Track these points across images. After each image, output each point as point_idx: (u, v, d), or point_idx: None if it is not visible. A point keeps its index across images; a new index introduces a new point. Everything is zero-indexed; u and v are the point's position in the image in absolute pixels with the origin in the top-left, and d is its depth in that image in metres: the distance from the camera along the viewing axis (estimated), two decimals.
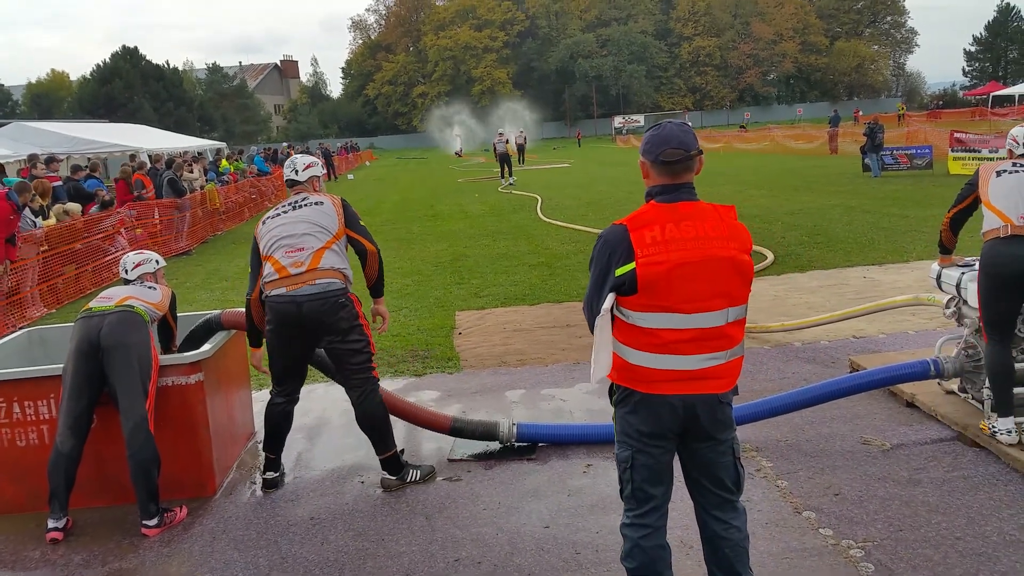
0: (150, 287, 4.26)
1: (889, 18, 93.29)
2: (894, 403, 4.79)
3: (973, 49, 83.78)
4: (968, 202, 4.21)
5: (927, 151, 19.87)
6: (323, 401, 5.56)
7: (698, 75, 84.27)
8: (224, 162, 23.61)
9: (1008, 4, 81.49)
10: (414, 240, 13.50)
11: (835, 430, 4.45)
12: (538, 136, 59.84)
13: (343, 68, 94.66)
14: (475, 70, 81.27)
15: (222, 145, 35.48)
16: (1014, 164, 4.02)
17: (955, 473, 3.84)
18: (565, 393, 5.46)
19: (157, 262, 4.45)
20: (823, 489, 3.77)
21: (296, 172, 4.29)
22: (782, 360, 5.76)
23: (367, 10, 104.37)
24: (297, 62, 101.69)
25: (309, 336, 4.04)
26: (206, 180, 18.81)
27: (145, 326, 3.98)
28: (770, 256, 9.40)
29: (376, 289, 4.31)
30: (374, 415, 4.11)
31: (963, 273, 4.37)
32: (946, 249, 4.50)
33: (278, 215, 4.14)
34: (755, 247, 9.98)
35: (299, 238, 4.00)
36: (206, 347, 4.24)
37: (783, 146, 33.92)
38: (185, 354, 4.18)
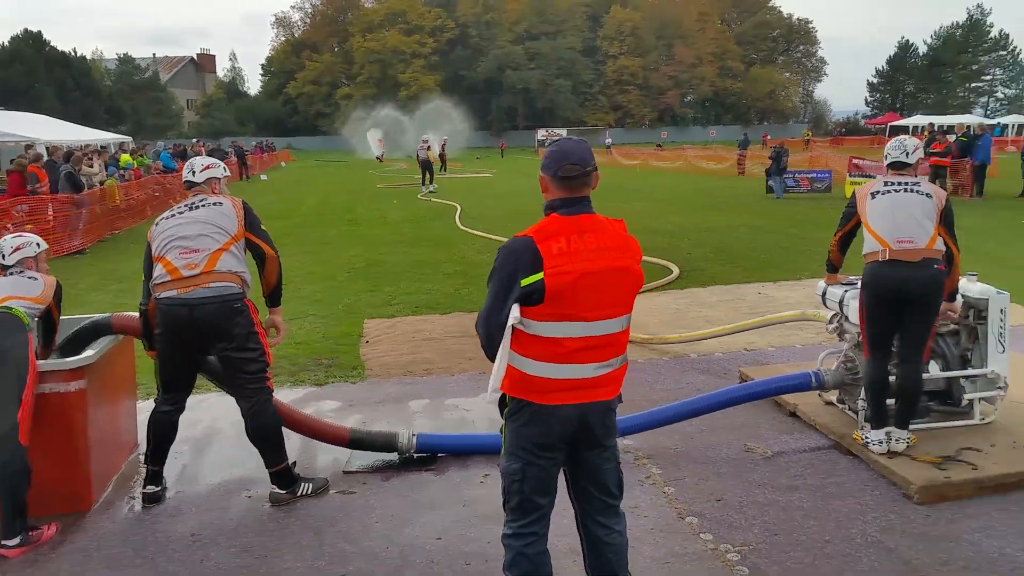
0: (31, 278, 4.02)
1: (802, 47, 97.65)
2: (778, 413, 5.03)
3: (875, 81, 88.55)
4: (852, 224, 4.42)
5: (827, 175, 20.92)
6: (213, 411, 5.35)
7: (621, 93, 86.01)
8: (125, 156, 22.55)
9: (908, 41, 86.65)
10: (329, 244, 13.31)
11: (722, 438, 4.64)
12: (464, 144, 59.84)
13: (264, 65, 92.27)
14: (402, 75, 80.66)
15: (127, 139, 34.00)
16: (886, 184, 4.22)
17: (830, 480, 4.07)
18: (469, 403, 5.48)
19: (38, 245, 4.18)
20: (707, 495, 3.93)
21: (193, 173, 4.15)
22: (679, 371, 5.96)
23: (292, 7, 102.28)
24: (215, 56, 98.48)
25: (201, 342, 3.90)
26: (107, 175, 18.00)
27: (23, 329, 3.76)
28: (675, 270, 9.70)
29: (273, 298, 4.16)
30: (267, 427, 3.98)
31: (845, 291, 4.64)
32: (833, 268, 4.71)
33: (173, 216, 4.00)
34: (663, 262, 10.31)
35: (194, 239, 3.86)
36: (89, 353, 4.03)
37: (696, 166, 35.02)
38: (66, 360, 3.97)
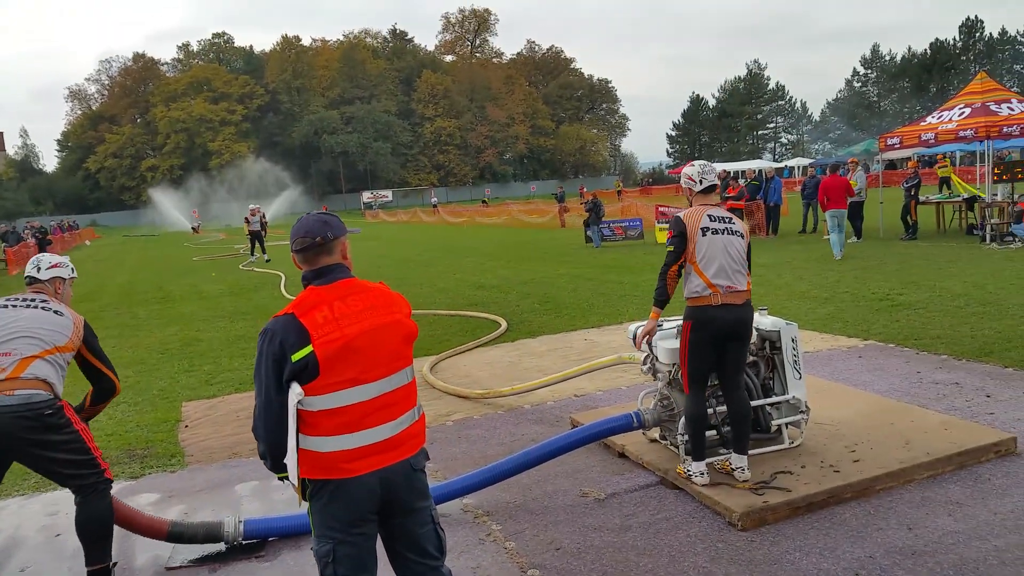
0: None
1: (605, 105, 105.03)
2: (608, 454, 5.19)
3: (674, 134, 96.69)
4: (684, 258, 4.31)
5: (638, 223, 22.33)
6: (15, 518, 4.79)
7: (441, 153, 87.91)
8: None
9: (699, 96, 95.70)
10: (139, 326, 12.36)
11: (558, 486, 4.71)
12: (287, 210, 58.18)
13: (59, 140, 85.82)
14: (212, 143, 77.78)
15: None
16: (711, 219, 4.29)
17: (660, 515, 4.23)
18: None
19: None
20: (546, 545, 3.96)
21: (39, 270, 3.93)
22: (513, 423, 6.03)
23: (87, 79, 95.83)
24: (2, 133, 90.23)
25: (2, 452, 3.53)
26: None
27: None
28: (503, 324, 9.89)
29: (86, 418, 3.94)
30: (96, 519, 3.72)
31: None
32: (665, 303, 4.43)
33: (5, 307, 3.72)
34: (492, 316, 10.48)
35: (8, 342, 3.56)
36: None
37: (519, 220, 36.22)
38: None
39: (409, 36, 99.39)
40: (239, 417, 6.77)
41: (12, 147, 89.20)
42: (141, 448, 6.09)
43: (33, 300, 3.80)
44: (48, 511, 4.99)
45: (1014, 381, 6.13)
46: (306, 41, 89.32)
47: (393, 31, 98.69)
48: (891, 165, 36.09)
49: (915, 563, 3.51)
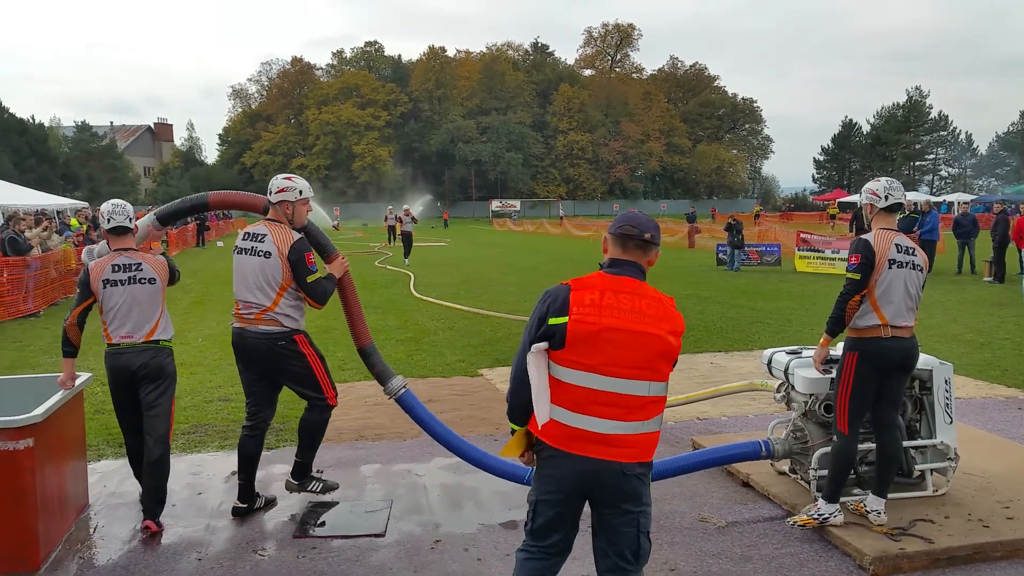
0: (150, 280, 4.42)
1: (747, 126, 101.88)
2: (731, 482, 5.03)
3: (821, 158, 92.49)
4: (868, 288, 4.03)
5: (776, 249, 21.54)
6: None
7: (572, 167, 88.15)
8: (74, 221, 22.19)
9: (851, 120, 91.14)
10: None
11: (676, 507, 4.61)
12: (426, 215, 60.51)
13: (220, 135, 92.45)
14: (356, 146, 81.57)
15: (84, 204, 33.42)
16: (899, 250, 4.03)
17: (784, 550, 4.05)
18: (421, 468, 5.43)
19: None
20: (660, 564, 3.88)
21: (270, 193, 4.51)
22: None
23: (249, 80, 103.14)
24: (172, 125, 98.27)
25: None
26: (63, 239, 17.68)
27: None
28: None
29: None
30: (313, 426, 4.58)
31: (791, 360, 4.71)
32: (839, 332, 4.15)
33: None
34: None
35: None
36: (38, 411, 3.92)
37: None
38: (14, 418, 3.84)
39: (550, 49, 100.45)
40: (366, 403, 7.07)
41: (180, 139, 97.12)
42: (278, 421, 6.45)
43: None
44: (192, 471, 5.38)
45: None
46: (451, 52, 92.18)
47: (535, 44, 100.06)
48: None
49: None
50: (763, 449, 4.62)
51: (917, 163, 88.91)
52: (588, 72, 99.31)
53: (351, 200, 78.92)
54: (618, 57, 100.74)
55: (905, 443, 4.46)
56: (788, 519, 4.32)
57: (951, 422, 4.46)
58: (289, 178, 4.49)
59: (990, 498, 4.39)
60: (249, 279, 4.32)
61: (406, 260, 22.73)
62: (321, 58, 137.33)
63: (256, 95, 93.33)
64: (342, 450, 5.78)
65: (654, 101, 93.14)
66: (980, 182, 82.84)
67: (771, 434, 4.79)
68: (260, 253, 4.31)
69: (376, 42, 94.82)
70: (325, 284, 4.43)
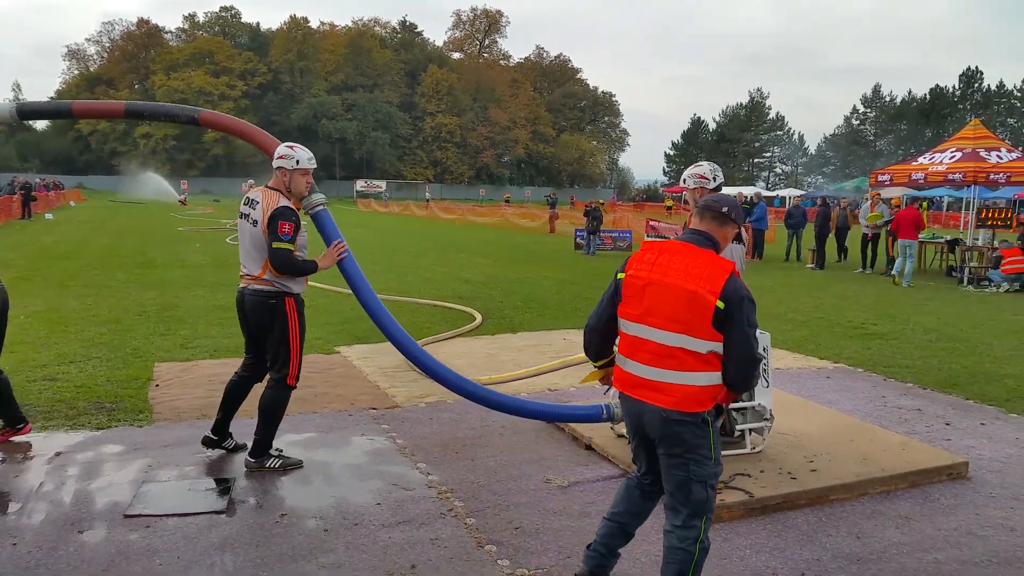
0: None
1: (607, 118, 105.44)
2: (575, 446, 5.28)
3: (672, 153, 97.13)
4: None
5: (628, 235, 22.52)
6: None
7: (440, 150, 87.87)
8: None
9: (699, 118, 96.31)
10: (117, 287, 12.28)
11: (523, 471, 4.79)
12: None
13: (52, 98, 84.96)
14: None
15: None
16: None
17: None
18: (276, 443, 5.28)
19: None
20: (506, 524, 4.03)
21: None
22: (485, 410, 6.05)
23: (88, 40, 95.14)
24: None
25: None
26: None
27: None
28: (478, 318, 9.96)
29: None
30: (270, 402, 4.70)
31: None
32: None
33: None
34: (468, 309, 10.55)
35: None
36: None
37: (511, 222, 36.33)
38: None
39: (419, 29, 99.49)
40: (211, 382, 6.79)
41: (3, 99, 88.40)
42: (110, 402, 6.10)
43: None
44: (9, 451, 5.01)
45: (973, 412, 6.28)
46: (314, 23, 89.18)
47: (403, 22, 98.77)
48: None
49: (859, 569, 3.62)
50: (604, 412, 4.89)
51: (756, 160, 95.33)
52: (457, 55, 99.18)
53: (200, 174, 74.88)
54: (486, 43, 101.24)
55: (730, 405, 4.86)
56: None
57: (768, 387, 4.89)
58: (291, 147, 4.65)
59: (798, 454, 4.87)
60: (245, 245, 4.62)
61: None
62: (171, 21, 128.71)
63: (96, 57, 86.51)
64: (183, 429, 5.53)
65: (521, 89, 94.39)
66: (809, 179, 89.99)
67: (612, 400, 5.06)
68: (251, 220, 4.55)
69: (232, 8, 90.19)
70: (288, 257, 4.46)
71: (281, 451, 4.92)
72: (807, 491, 4.28)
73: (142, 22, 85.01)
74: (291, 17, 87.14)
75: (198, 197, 58.73)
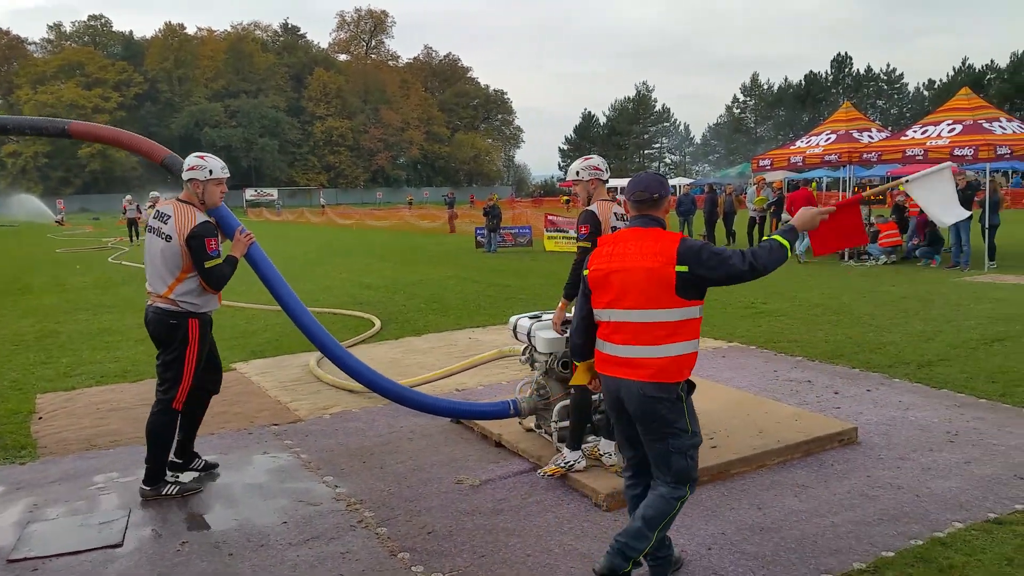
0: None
1: (500, 116, 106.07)
2: (486, 444, 5.28)
3: (566, 148, 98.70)
4: None
5: (527, 231, 22.71)
6: None
7: (332, 154, 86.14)
8: None
9: (590, 112, 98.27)
10: None
11: (434, 474, 4.75)
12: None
13: None
14: None
15: None
16: (617, 217, 4.46)
17: (531, 499, 4.34)
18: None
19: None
20: (419, 530, 3.98)
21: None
22: (392, 416, 6.00)
23: None
24: None
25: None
26: None
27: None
28: (377, 323, 9.83)
29: None
30: (154, 426, 4.47)
31: (532, 324, 5.03)
32: (575, 295, 4.36)
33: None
34: (366, 315, 10.40)
35: None
36: None
37: (410, 224, 36.03)
38: None
39: (302, 31, 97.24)
40: (99, 410, 6.43)
41: None
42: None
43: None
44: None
45: (859, 380, 6.66)
46: (191, 30, 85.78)
47: (285, 25, 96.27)
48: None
49: (762, 538, 3.76)
50: (511, 408, 4.91)
51: (646, 151, 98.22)
52: (344, 57, 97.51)
53: (77, 192, 70.73)
54: (373, 43, 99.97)
55: None
56: (539, 471, 4.63)
57: None
58: (201, 156, 4.53)
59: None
60: (153, 262, 4.44)
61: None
62: (34, 31, 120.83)
63: None
64: (70, 463, 5.19)
65: (412, 89, 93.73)
66: (697, 167, 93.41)
67: (519, 394, 5.09)
68: (163, 235, 4.38)
69: (102, 16, 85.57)
70: (224, 269, 4.43)
71: (178, 476, 4.71)
72: (708, 467, 4.42)
73: (1, 32, 79.48)
74: (166, 24, 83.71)
75: (76, 216, 55.40)
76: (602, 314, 3.21)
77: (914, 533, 3.76)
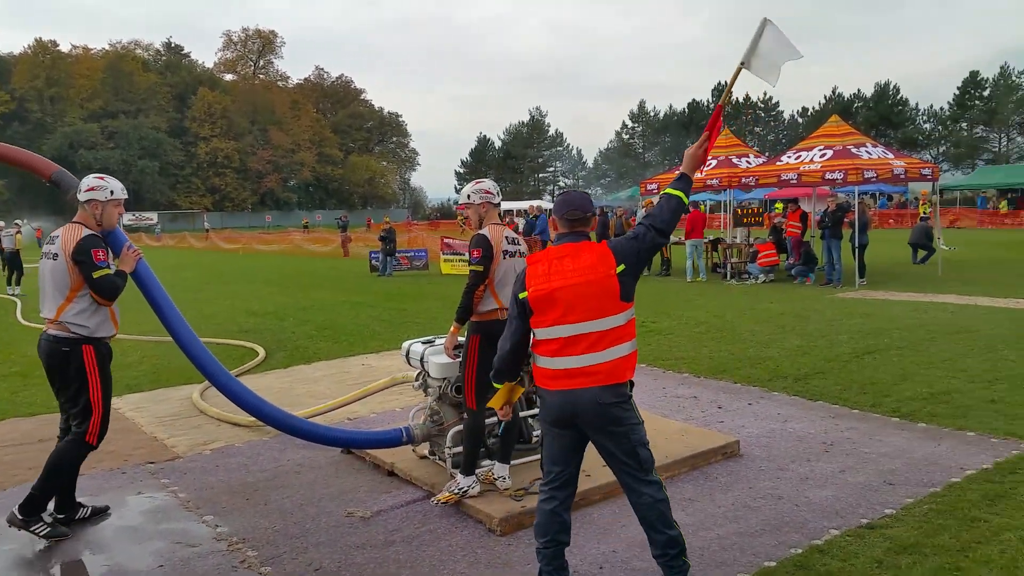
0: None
1: (395, 139, 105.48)
2: (378, 474, 5.15)
3: (462, 171, 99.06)
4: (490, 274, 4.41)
5: (424, 254, 22.60)
6: None
7: (217, 176, 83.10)
8: None
9: (485, 136, 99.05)
10: None
11: (322, 508, 4.58)
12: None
13: None
14: None
15: None
16: (508, 241, 4.47)
17: (424, 528, 4.25)
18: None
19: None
20: (305, 567, 3.82)
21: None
22: (279, 449, 5.78)
23: None
24: None
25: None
26: None
27: None
28: (261, 352, 9.49)
29: None
30: (59, 458, 4.28)
31: (425, 349, 4.97)
32: (468, 319, 4.48)
33: None
34: (249, 344, 10.04)
35: None
36: None
37: (302, 248, 35.17)
38: None
39: (185, 51, 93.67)
40: None
41: None
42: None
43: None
44: None
45: (741, 394, 6.94)
46: (64, 47, 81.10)
47: (168, 44, 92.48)
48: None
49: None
50: (404, 435, 4.81)
51: (540, 175, 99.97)
52: (230, 77, 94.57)
53: None
54: (261, 63, 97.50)
55: (523, 412, 4.98)
56: (432, 499, 4.55)
57: None
58: (101, 177, 4.46)
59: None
60: (43, 285, 4.30)
61: (13, 288, 18.78)
62: None
63: None
64: None
65: (303, 110, 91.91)
66: (590, 190, 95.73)
67: (412, 421, 5.00)
68: (51, 255, 4.26)
69: None
70: (114, 279, 4.28)
71: (55, 516, 4.42)
72: (600, 486, 4.47)
73: None
74: (36, 40, 78.73)
75: None
76: (551, 331, 3.21)
77: (794, 542, 3.91)
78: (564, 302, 3.17)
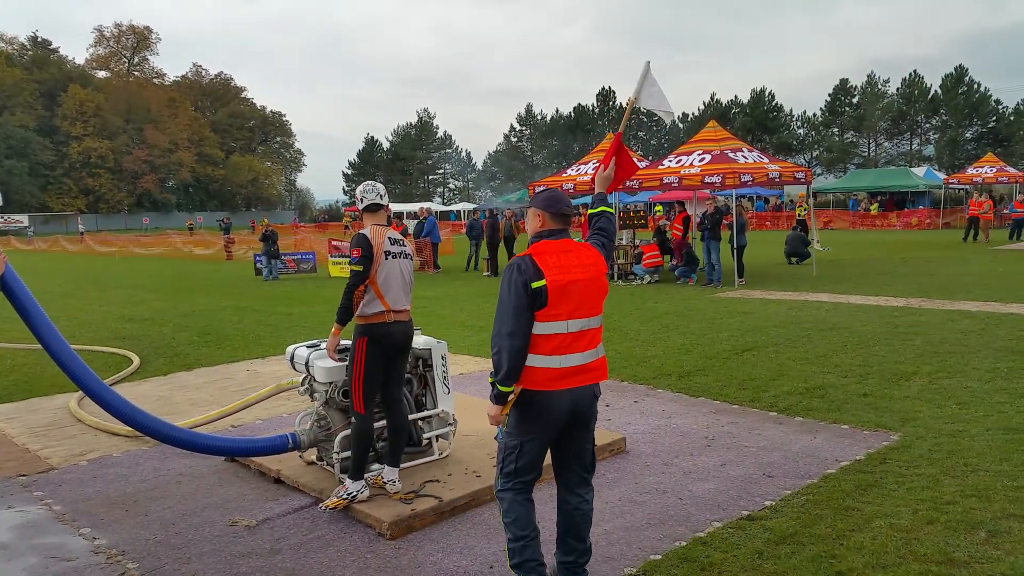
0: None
1: (279, 139, 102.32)
2: (263, 482, 5.02)
3: (350, 172, 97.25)
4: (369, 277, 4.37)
5: (311, 257, 22.08)
6: None
7: (91, 176, 78.20)
8: None
9: (373, 137, 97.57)
10: None
11: (205, 518, 4.43)
12: None
13: None
14: None
15: None
16: (391, 242, 4.43)
17: (312, 535, 4.18)
18: None
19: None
20: None
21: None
22: (159, 459, 5.54)
23: None
24: None
25: None
26: None
27: None
28: (136, 360, 9.07)
29: None
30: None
31: (311, 353, 4.88)
32: (348, 320, 4.42)
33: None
34: (123, 351, 9.59)
35: None
36: None
37: (182, 251, 33.61)
38: None
39: (54, 46, 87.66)
40: None
41: None
42: None
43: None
44: None
45: (628, 392, 7.18)
46: None
47: (34, 38, 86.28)
48: None
49: (546, 549, 3.90)
50: (290, 442, 4.71)
51: (430, 176, 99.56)
52: (103, 74, 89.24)
53: None
54: (136, 60, 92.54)
55: (415, 415, 4.97)
56: (320, 505, 4.47)
57: (449, 392, 5.09)
58: None
59: (482, 452, 5.14)
60: None
61: None
62: None
63: None
64: None
65: (180, 109, 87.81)
66: (480, 192, 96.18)
67: (298, 427, 4.90)
68: None
69: None
70: None
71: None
72: (490, 486, 4.52)
73: None
74: None
75: None
76: (560, 325, 3.16)
77: (678, 535, 4.06)
78: (577, 296, 3.20)
